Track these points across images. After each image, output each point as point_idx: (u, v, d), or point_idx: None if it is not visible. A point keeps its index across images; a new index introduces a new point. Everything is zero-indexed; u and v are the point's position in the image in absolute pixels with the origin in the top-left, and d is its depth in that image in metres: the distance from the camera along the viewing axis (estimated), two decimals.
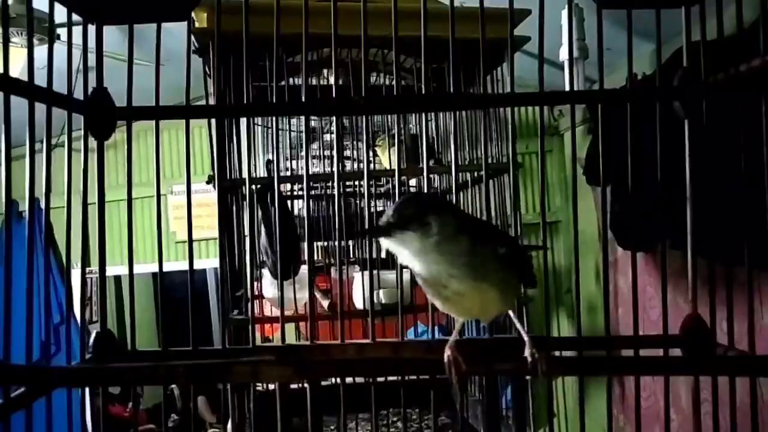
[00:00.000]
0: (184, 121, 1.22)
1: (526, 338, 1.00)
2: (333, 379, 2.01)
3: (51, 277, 3.81)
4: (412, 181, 2.86)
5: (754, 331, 1.06)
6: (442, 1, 1.66)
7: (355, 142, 2.89)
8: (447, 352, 0.99)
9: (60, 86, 1.06)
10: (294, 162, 2.87)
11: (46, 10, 1.08)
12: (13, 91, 0.94)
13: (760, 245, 1.06)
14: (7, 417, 0.91)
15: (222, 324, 1.51)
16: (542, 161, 1.27)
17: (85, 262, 1.14)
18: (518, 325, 1.05)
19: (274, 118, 2.32)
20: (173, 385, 4.32)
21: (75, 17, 1.14)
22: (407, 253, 0.92)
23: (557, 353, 1.20)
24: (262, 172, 2.58)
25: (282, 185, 2.39)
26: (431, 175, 2.51)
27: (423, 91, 1.55)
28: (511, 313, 1.06)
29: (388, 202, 2.83)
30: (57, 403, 1.06)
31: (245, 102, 1.84)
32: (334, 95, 1.30)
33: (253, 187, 1.87)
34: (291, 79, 2.20)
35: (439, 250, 0.91)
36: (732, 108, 1.09)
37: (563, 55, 2.27)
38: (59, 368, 1.08)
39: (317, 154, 2.78)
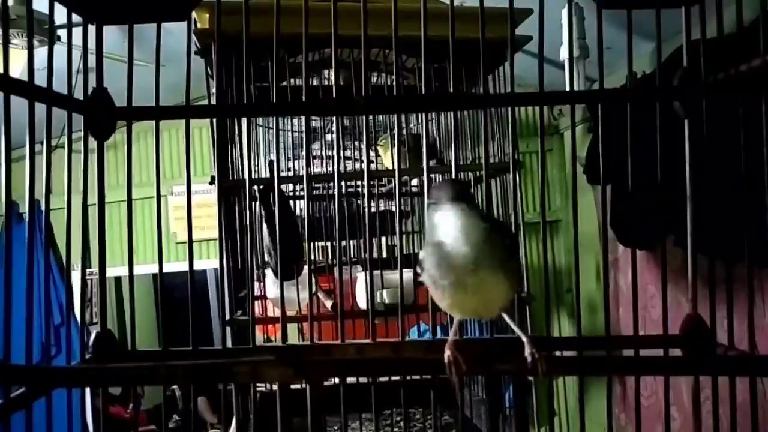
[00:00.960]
0: (184, 121, 1.22)
1: (524, 339, 0.99)
2: (334, 379, 2.01)
3: (51, 278, 3.81)
4: (414, 181, 2.86)
5: (754, 330, 1.06)
6: (443, 1, 1.66)
7: (356, 142, 2.89)
8: (447, 352, 0.99)
9: (60, 87, 1.06)
10: (295, 162, 2.87)
11: (46, 11, 1.08)
12: (13, 91, 0.95)
13: (760, 244, 1.06)
14: (7, 417, 0.91)
15: (222, 324, 1.51)
16: (542, 161, 1.26)
17: (85, 263, 1.14)
18: (514, 326, 1.05)
19: (275, 119, 2.32)
20: (174, 386, 4.33)
21: (75, 17, 1.15)
22: (456, 226, 0.92)
23: (558, 353, 1.20)
24: (263, 172, 2.58)
25: (284, 185, 2.39)
26: (433, 175, 2.51)
27: (424, 91, 1.56)
28: (505, 315, 1.06)
29: (390, 202, 2.83)
30: (57, 403, 1.06)
31: (246, 102, 1.84)
32: (334, 95, 1.29)
33: (255, 187, 1.87)
34: (292, 80, 2.20)
35: (481, 230, 0.92)
36: (732, 108, 1.09)
37: (563, 54, 2.26)
38: (59, 368, 1.08)
39: (318, 154, 2.77)
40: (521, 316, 1.70)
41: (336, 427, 2.38)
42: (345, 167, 2.72)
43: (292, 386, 1.22)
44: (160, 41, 1.18)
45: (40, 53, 1.06)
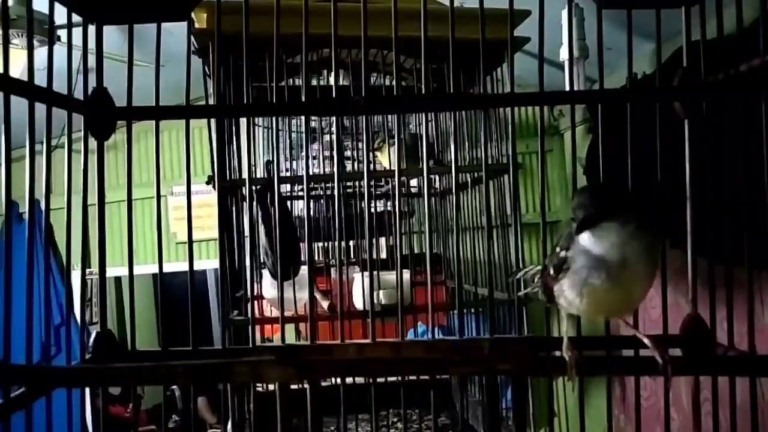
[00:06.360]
0: (184, 121, 1.22)
1: (647, 341, 1.04)
2: (333, 380, 2.01)
3: (51, 278, 3.81)
4: (413, 181, 2.86)
5: (754, 331, 1.06)
6: (442, 2, 1.66)
7: (355, 143, 2.89)
8: (568, 353, 1.03)
9: (60, 87, 1.06)
10: (294, 162, 2.87)
11: (46, 11, 1.08)
12: (13, 91, 0.95)
13: (760, 245, 1.07)
14: (7, 417, 0.91)
15: (222, 324, 1.51)
16: (542, 161, 1.27)
17: (86, 262, 1.14)
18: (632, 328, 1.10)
19: (274, 119, 2.32)
20: (174, 386, 4.33)
21: (75, 18, 1.15)
22: (605, 242, 0.96)
23: (557, 353, 1.20)
24: (262, 172, 2.58)
25: (282, 186, 2.39)
26: (431, 176, 2.51)
27: (423, 92, 1.56)
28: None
29: (388, 203, 2.83)
30: (57, 403, 1.06)
31: (245, 102, 1.84)
32: (334, 95, 1.30)
33: (253, 187, 1.87)
34: (291, 80, 2.20)
35: (636, 238, 0.95)
36: (732, 108, 1.09)
37: (563, 55, 2.26)
38: (59, 368, 1.08)
39: (317, 154, 2.77)
40: (519, 317, 1.70)
41: (333, 428, 2.38)
42: (344, 167, 2.72)
43: (292, 386, 1.22)
44: (160, 41, 1.18)
45: (41, 53, 1.06)
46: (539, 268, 1.25)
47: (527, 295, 1.32)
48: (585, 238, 0.96)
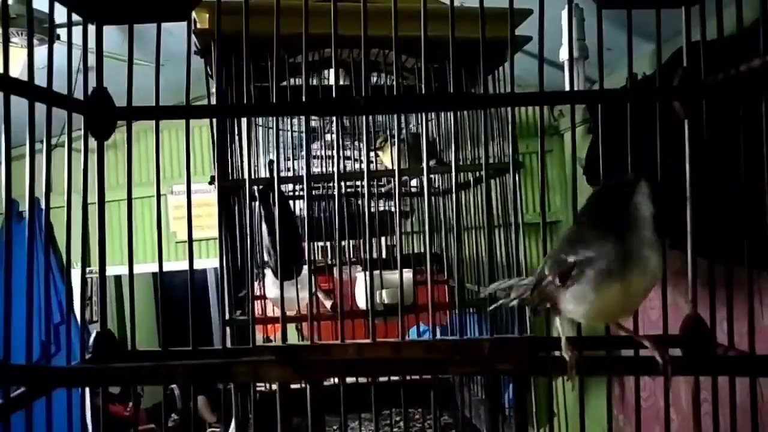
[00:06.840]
0: (184, 121, 1.22)
1: (645, 341, 1.04)
2: (334, 379, 2.01)
3: (51, 277, 3.81)
4: (414, 181, 2.85)
5: (754, 331, 1.06)
6: (443, 1, 1.66)
7: (355, 142, 2.89)
8: (568, 353, 1.02)
9: (60, 86, 1.06)
10: (295, 162, 2.86)
11: (46, 10, 1.08)
12: (13, 91, 0.95)
13: (760, 245, 1.07)
14: (7, 417, 0.91)
15: (222, 324, 1.51)
16: (542, 161, 1.27)
17: (85, 262, 1.14)
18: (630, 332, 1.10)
19: (275, 119, 2.32)
20: (173, 385, 4.33)
21: (75, 17, 1.15)
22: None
23: (557, 353, 1.20)
24: (263, 172, 2.58)
25: (283, 185, 2.39)
26: (433, 175, 2.51)
27: (423, 91, 1.56)
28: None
29: (389, 202, 2.83)
30: (57, 403, 1.06)
31: (246, 102, 1.84)
32: (334, 95, 1.30)
33: (255, 187, 1.87)
34: (292, 79, 2.20)
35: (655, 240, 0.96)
36: (732, 108, 1.09)
37: (563, 55, 2.26)
38: (59, 368, 1.08)
39: (318, 154, 2.77)
40: (520, 316, 1.70)
41: (335, 427, 2.38)
42: (344, 167, 2.72)
43: (292, 386, 1.23)
44: (160, 41, 1.18)
45: (40, 52, 1.06)
46: (511, 282, 1.24)
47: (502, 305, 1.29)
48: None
